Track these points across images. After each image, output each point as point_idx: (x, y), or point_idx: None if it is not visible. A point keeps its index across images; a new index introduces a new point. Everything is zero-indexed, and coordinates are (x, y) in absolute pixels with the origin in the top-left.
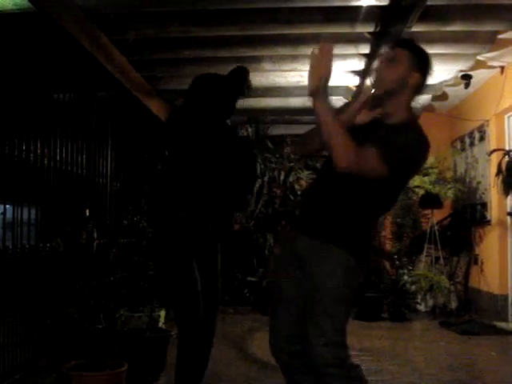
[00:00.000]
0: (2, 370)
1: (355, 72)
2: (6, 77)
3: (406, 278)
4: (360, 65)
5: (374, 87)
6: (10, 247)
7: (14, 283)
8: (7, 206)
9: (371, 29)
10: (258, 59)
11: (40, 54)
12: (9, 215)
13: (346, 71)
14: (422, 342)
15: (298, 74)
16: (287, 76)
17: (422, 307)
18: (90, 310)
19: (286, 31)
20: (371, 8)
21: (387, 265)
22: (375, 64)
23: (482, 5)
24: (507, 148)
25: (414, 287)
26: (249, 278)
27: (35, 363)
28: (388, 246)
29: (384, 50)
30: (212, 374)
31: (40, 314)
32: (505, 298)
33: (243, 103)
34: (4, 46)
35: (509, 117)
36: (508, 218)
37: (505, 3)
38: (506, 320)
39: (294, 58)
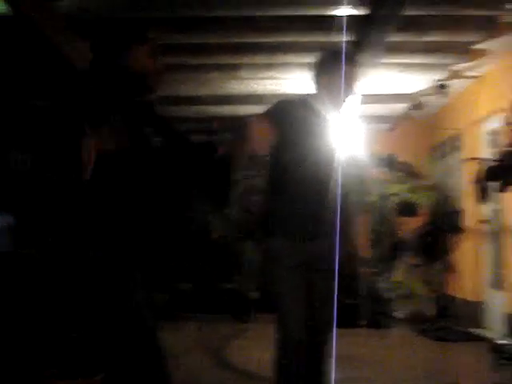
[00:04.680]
0: None
1: None
2: None
3: (382, 284)
4: None
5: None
6: None
7: None
8: None
9: (348, 38)
10: (235, 67)
11: (19, 59)
12: None
13: None
14: (398, 348)
15: (275, 82)
16: (265, 84)
17: (398, 314)
18: (65, 318)
19: (263, 39)
20: (349, 17)
21: (363, 271)
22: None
23: (457, 16)
24: (482, 157)
25: (390, 294)
26: (226, 286)
27: (12, 372)
28: (364, 252)
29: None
30: (187, 382)
31: (17, 322)
32: (480, 304)
33: (221, 111)
34: None
35: (484, 126)
36: (482, 225)
37: (480, 14)
38: (481, 327)
39: (270, 66)
